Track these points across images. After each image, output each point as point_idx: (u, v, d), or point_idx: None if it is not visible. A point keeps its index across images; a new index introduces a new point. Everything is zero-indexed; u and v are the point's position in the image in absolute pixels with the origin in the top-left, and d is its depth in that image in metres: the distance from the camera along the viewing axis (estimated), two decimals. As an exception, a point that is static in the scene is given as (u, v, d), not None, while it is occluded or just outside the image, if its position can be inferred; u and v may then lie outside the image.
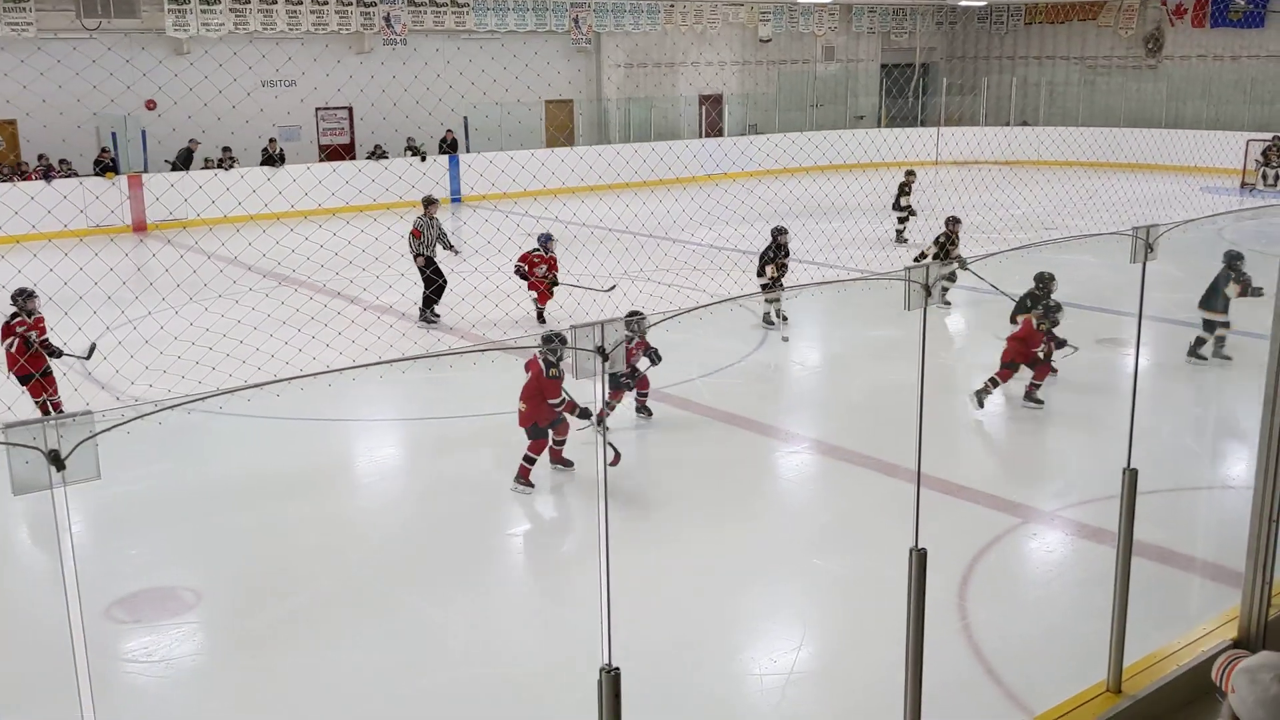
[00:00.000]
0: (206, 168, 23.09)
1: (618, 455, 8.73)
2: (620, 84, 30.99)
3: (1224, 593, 6.11)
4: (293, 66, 24.20)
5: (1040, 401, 10.53)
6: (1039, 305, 10.91)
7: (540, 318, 13.70)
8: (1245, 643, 4.76)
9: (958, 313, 14.55)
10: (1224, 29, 31.01)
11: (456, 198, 25.69)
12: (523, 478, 8.62)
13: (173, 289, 12.44)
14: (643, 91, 31.04)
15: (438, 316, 14.25)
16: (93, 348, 10.21)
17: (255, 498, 8.75)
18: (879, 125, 33.20)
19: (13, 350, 9.84)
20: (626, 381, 9.71)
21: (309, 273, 13.59)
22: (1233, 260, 11.52)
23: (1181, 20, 31.88)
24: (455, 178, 25.83)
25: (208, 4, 23.78)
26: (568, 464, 8.91)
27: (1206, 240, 16.96)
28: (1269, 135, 26.20)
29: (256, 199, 15.27)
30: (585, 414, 8.70)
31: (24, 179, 21.56)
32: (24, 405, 9.47)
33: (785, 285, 13.42)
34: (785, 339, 13.18)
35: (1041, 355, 10.48)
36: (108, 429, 2.30)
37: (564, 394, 8.58)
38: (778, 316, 13.61)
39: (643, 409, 10.14)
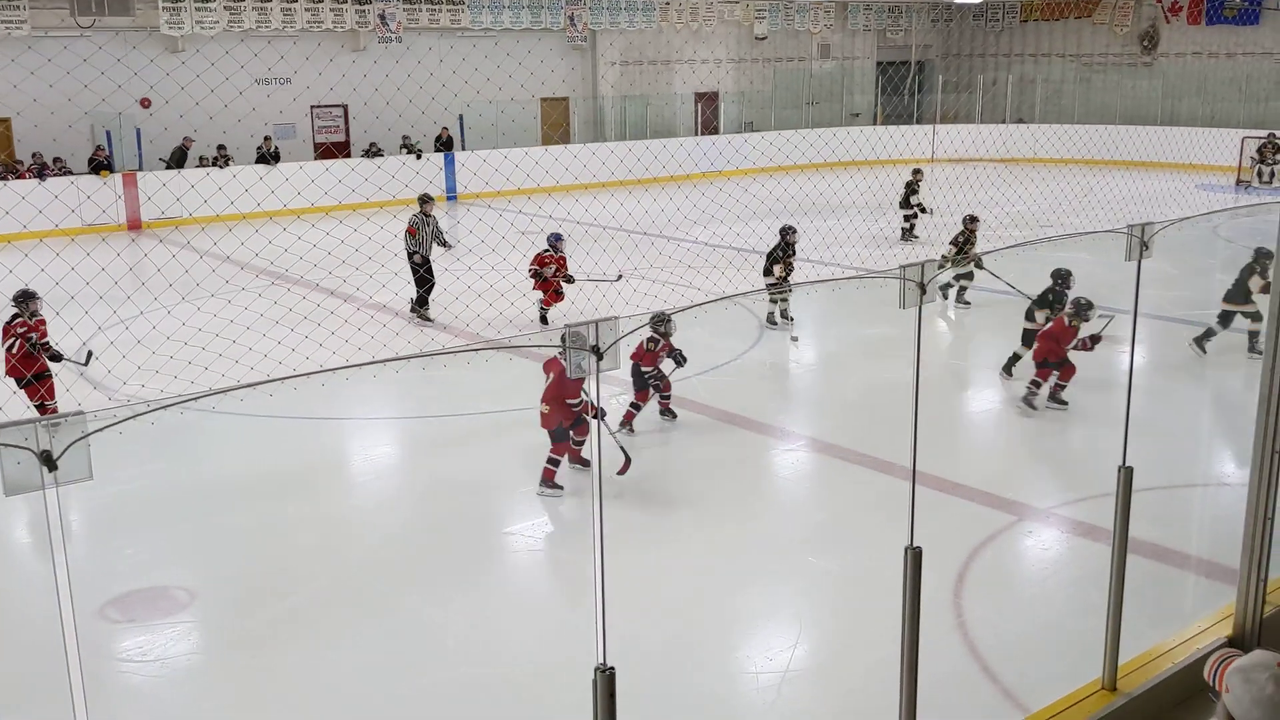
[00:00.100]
0: (201, 166, 23.05)
1: (628, 461, 8.67)
2: (615, 81, 30.97)
3: (1219, 590, 6.12)
4: (287, 64, 24.19)
5: (1065, 403, 10.37)
6: (1058, 301, 10.87)
7: (543, 319, 13.61)
8: (1240, 640, 4.76)
9: (973, 312, 14.55)
10: (1219, 26, 31.05)
11: (452, 195, 25.67)
12: (548, 480, 8.59)
13: (167, 288, 12.41)
14: (638, 89, 31.02)
15: (431, 319, 14.23)
16: (90, 355, 10.13)
17: (250, 497, 8.73)
18: (875, 123, 33.21)
19: (12, 351, 9.71)
20: (653, 382, 9.69)
21: (302, 271, 13.56)
22: (1260, 256, 11.56)
23: (1177, 17, 31.91)
24: (451, 175, 25.81)
25: (202, 1, 23.76)
26: (586, 463, 8.89)
27: (1202, 238, 16.99)
28: (1264, 132, 26.21)
29: (251, 197, 15.23)
30: (602, 414, 8.66)
31: (18, 178, 21.51)
32: (15, 406, 9.44)
33: (770, 281, 13.43)
34: (795, 339, 13.15)
35: (1076, 350, 10.31)
36: (100, 429, 2.29)
37: (583, 394, 8.58)
38: (783, 317, 13.58)
39: (666, 411, 10.10)
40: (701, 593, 7.23)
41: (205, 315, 10.50)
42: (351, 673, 6.25)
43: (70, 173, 22.05)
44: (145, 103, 22.82)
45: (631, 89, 31.06)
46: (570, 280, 13.49)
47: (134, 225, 21.97)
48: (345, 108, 26.84)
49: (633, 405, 9.77)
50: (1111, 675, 4.61)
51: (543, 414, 8.59)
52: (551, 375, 8.58)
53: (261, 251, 12.05)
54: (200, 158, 23.53)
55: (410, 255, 14.50)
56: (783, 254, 13.47)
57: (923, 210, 19.32)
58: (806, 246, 15.38)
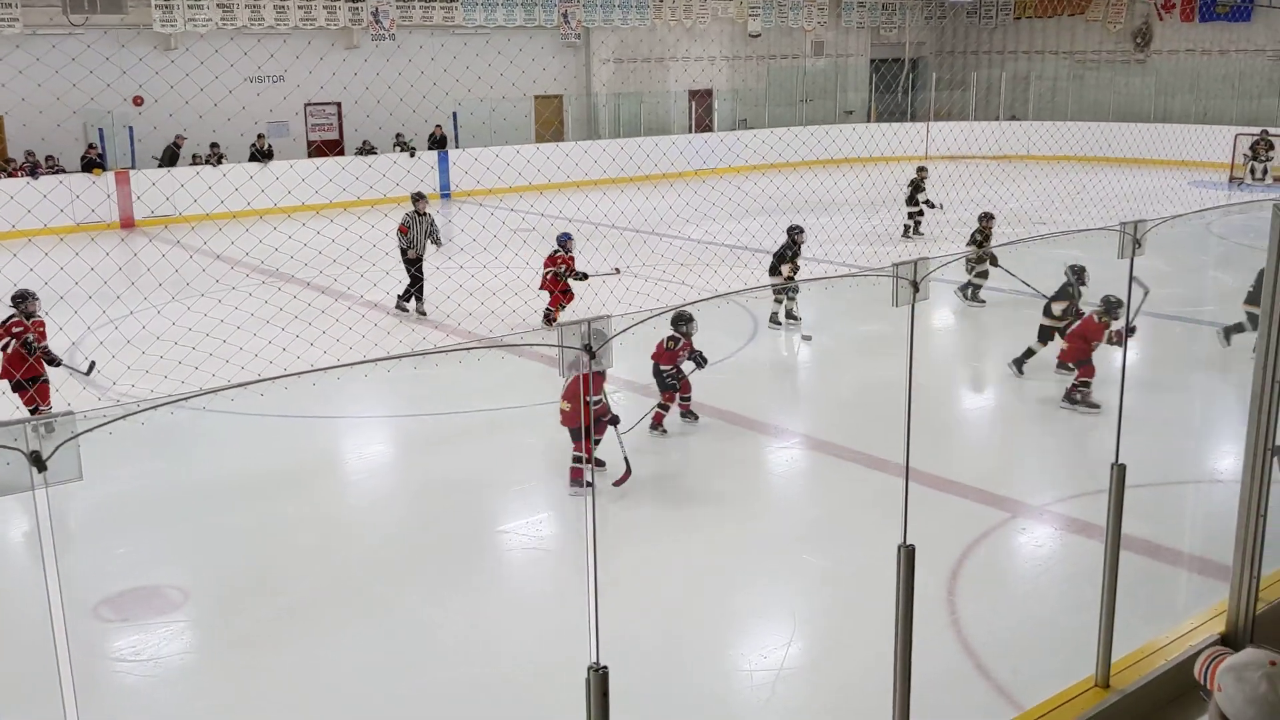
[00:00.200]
0: (194, 164, 23.00)
1: (627, 472, 8.59)
2: (609, 79, 30.95)
3: (1211, 586, 6.13)
4: (280, 62, 24.12)
5: (1097, 406, 10.20)
6: (1074, 298, 10.85)
7: (547, 319, 13.52)
8: (1233, 636, 4.77)
9: (974, 310, 14.56)
10: (1212, 23, 31.10)
11: (445, 193, 25.64)
12: (577, 479, 8.60)
13: (158, 287, 12.38)
14: (632, 87, 31.00)
15: (408, 310, 14.34)
16: (93, 366, 9.96)
17: (243, 496, 8.71)
18: (868, 120, 33.22)
19: (8, 352, 9.47)
20: (670, 381, 9.63)
21: (293, 270, 13.55)
22: None
23: (1170, 14, 31.96)
24: (444, 173, 25.78)
25: (195, -1, 23.73)
26: (599, 464, 8.88)
27: (1195, 235, 17.02)
28: (1257, 129, 26.26)
29: (243, 195, 15.24)
30: (615, 420, 8.66)
31: (10, 176, 21.44)
32: (5, 407, 9.40)
33: (763, 280, 13.42)
34: (809, 337, 13.10)
35: (1110, 344, 10.21)
36: (89, 430, 2.28)
37: (603, 394, 8.59)
38: (789, 317, 13.53)
39: (688, 414, 10.00)
40: (696, 591, 7.23)
41: (195, 315, 10.45)
42: (345, 672, 6.24)
43: (63, 171, 21.98)
44: (138, 101, 22.77)
45: (625, 86, 31.03)
46: (583, 277, 13.41)
47: (127, 224, 21.92)
48: (339, 106, 26.79)
49: (660, 406, 9.72)
50: (1104, 672, 4.61)
51: (563, 411, 8.60)
52: (573, 372, 8.53)
53: (252, 250, 12.05)
54: (193, 156, 23.47)
55: (403, 253, 14.54)
56: (791, 254, 13.43)
57: (930, 206, 19.35)
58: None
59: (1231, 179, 25.92)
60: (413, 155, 25.05)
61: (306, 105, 26.40)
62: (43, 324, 9.79)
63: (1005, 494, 8.51)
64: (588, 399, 8.44)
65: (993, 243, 14.74)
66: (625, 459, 8.61)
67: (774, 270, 13.49)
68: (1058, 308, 11.00)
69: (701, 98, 32.09)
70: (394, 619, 6.82)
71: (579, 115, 30.45)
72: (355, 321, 10.96)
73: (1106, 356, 11.31)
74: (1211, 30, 31.17)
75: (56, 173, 21.72)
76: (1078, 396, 10.24)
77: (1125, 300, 5.09)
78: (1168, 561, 7.37)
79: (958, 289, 14.35)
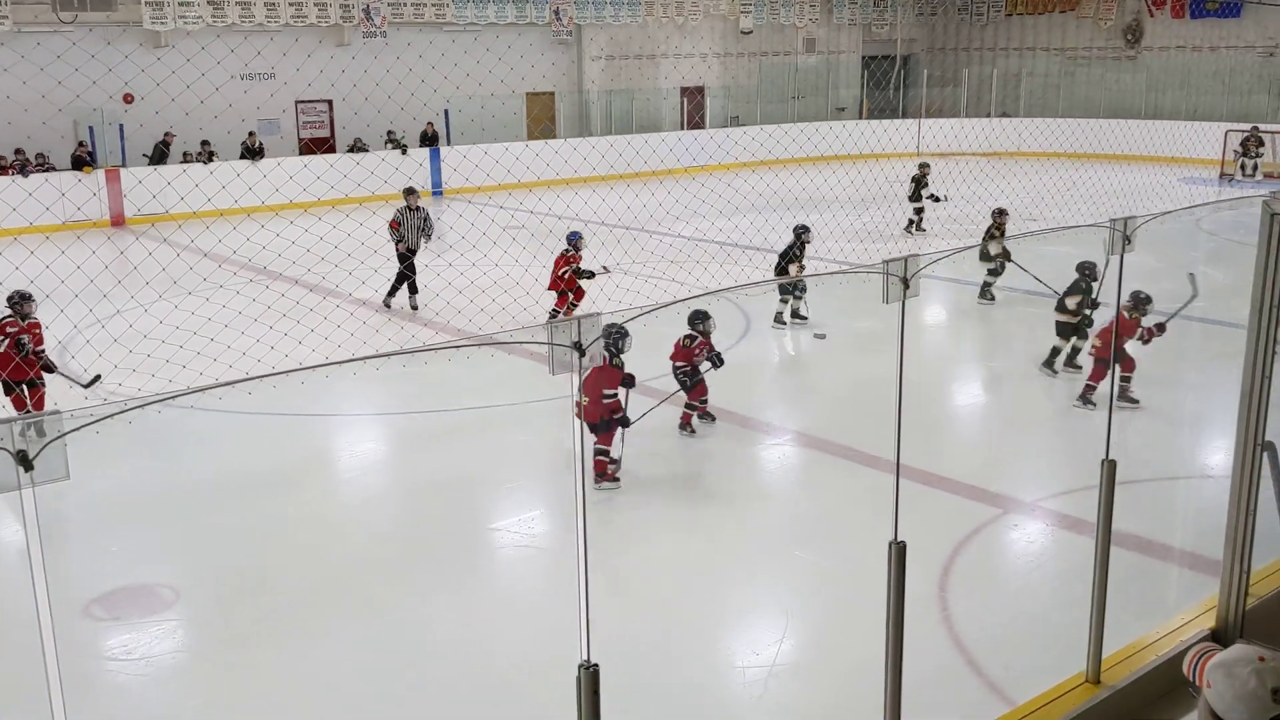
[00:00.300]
0: (185, 162, 22.94)
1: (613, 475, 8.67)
2: (601, 76, 30.93)
3: (1202, 581, 6.14)
4: (271, 59, 24.06)
5: (1136, 400, 10.17)
6: (1087, 293, 10.83)
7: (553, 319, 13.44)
8: (1223, 632, 4.78)
9: (963, 306, 14.57)
10: (1202, 20, 31.16)
11: (438, 190, 25.60)
12: (600, 472, 8.62)
13: (145, 285, 12.34)
14: (624, 84, 30.98)
15: (390, 307, 14.39)
16: (96, 379, 9.81)
17: (234, 495, 8.69)
18: (860, 117, 33.23)
19: (1, 352, 9.27)
20: (682, 379, 9.53)
21: (281, 268, 13.52)
22: None
23: (1160, 11, 32.02)
24: (436, 170, 25.74)
25: (185, -4, 23.65)
26: (614, 481, 8.83)
27: (1185, 231, 17.05)
28: (1247, 126, 26.32)
29: (228, 193, 15.21)
30: (625, 423, 8.66)
31: (0, 173, 21.37)
32: (-3, 409, 9.36)
33: (765, 279, 13.39)
34: (823, 335, 13.02)
35: (1140, 341, 10.13)
36: (76, 429, 2.27)
37: (618, 391, 8.61)
38: (795, 316, 13.47)
39: (704, 415, 9.84)
40: (688, 587, 7.23)
41: (183, 313, 10.41)
42: (337, 670, 6.23)
43: (53, 169, 21.91)
44: (128, 98, 22.70)
45: (617, 84, 31.02)
46: (590, 275, 13.38)
47: (117, 221, 21.84)
48: (329, 103, 26.74)
49: (687, 406, 9.62)
50: (1095, 668, 4.62)
51: (581, 405, 8.61)
52: (591, 365, 8.54)
53: (240, 248, 12.01)
54: (184, 153, 23.42)
55: (396, 245, 14.68)
56: (799, 253, 13.40)
57: (936, 199, 19.40)
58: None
59: (1222, 175, 25.97)
60: (404, 152, 25.02)
61: (297, 102, 26.35)
62: (39, 326, 9.62)
63: (997, 490, 8.52)
64: (605, 392, 8.51)
65: (1007, 238, 14.72)
66: (616, 461, 8.63)
67: (782, 270, 13.44)
68: (1071, 302, 10.96)
69: (693, 95, 32.08)
70: (386, 617, 6.81)
71: (571, 112, 30.42)
72: (344, 320, 10.91)
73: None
74: (1202, 27, 31.23)
75: (46, 170, 21.65)
76: (1123, 389, 10.19)
77: (1116, 297, 5.09)
78: (1159, 557, 7.39)
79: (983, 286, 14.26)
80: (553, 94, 30.05)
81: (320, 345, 9.47)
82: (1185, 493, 8.77)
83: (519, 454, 9.57)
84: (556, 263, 13.40)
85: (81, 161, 21.99)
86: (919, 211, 19.89)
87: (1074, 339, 11.13)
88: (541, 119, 29.11)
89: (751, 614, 6.91)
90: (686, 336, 9.52)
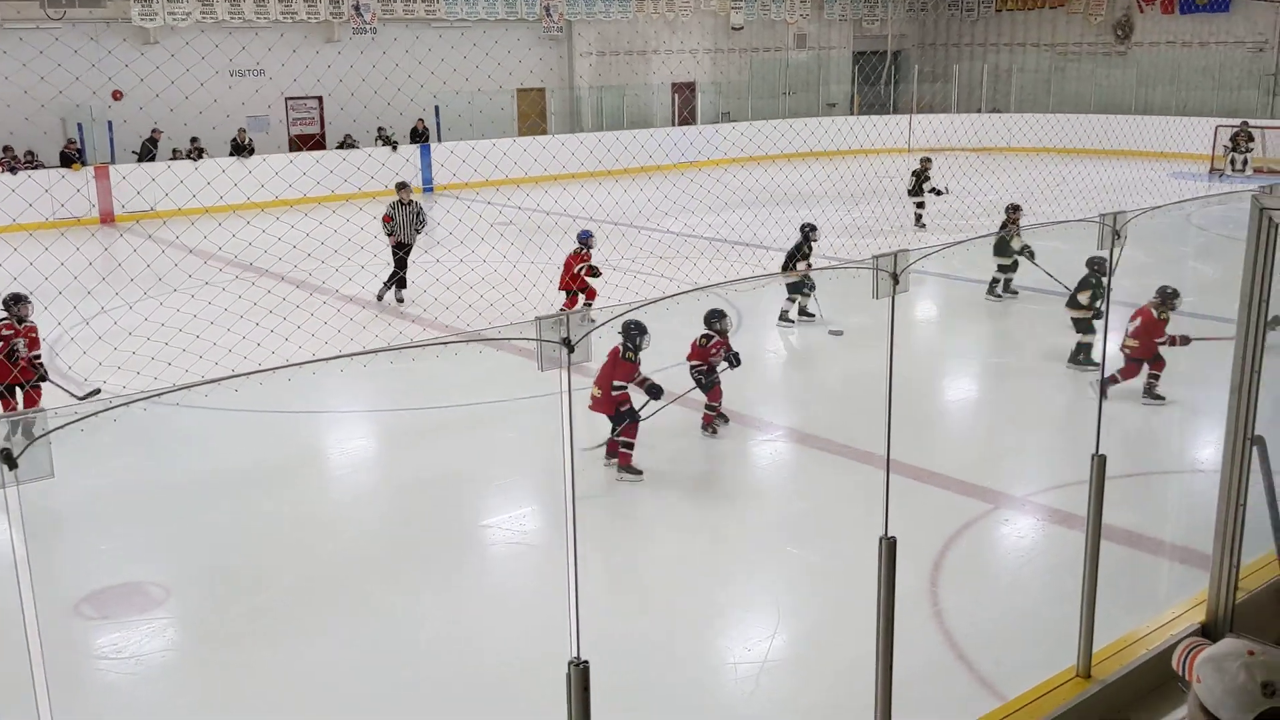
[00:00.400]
0: (175, 159, 22.86)
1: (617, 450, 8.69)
2: (592, 72, 30.89)
3: (1193, 576, 6.16)
4: (261, 56, 23.99)
5: (1162, 397, 10.16)
6: (1097, 287, 10.81)
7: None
8: (1213, 626, 4.79)
9: (956, 302, 14.55)
10: (1192, 15, 31.21)
11: (428, 187, 25.55)
12: (626, 465, 8.65)
13: (131, 281, 12.25)
14: (614, 79, 30.94)
15: (382, 300, 14.55)
16: (95, 392, 9.66)
17: (223, 492, 8.67)
18: (851, 113, 33.23)
19: None
20: (699, 378, 9.41)
21: (267, 264, 13.47)
22: None
23: (1150, 6, 32.06)
24: (427, 167, 25.68)
25: (174, -8, 23.58)
26: (637, 473, 8.88)
27: (1175, 226, 17.09)
28: (1237, 121, 26.37)
29: (216, 189, 15.19)
30: (634, 415, 8.66)
31: (-11, 171, 21.29)
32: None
33: (755, 275, 13.36)
34: (840, 332, 12.92)
35: (1166, 346, 10.07)
36: (60, 427, 2.26)
37: (629, 384, 8.64)
38: (803, 314, 13.43)
39: (719, 416, 9.68)
40: (680, 583, 7.23)
41: (168, 310, 10.34)
42: (329, 668, 6.22)
43: (41, 166, 21.82)
44: (117, 95, 22.61)
45: (608, 79, 30.98)
46: (598, 274, 13.37)
47: (106, 218, 21.77)
48: (319, 99, 26.66)
49: (707, 408, 9.50)
50: (1086, 663, 4.62)
51: (594, 398, 8.65)
52: (607, 359, 8.69)
53: (225, 244, 11.97)
54: (173, 150, 23.33)
55: (389, 239, 14.85)
56: (807, 251, 13.37)
57: (937, 193, 19.44)
58: (780, 237, 15.38)
59: (1212, 170, 26.03)
60: (394, 149, 24.96)
61: (287, 99, 26.26)
62: (35, 330, 9.44)
63: (988, 485, 8.54)
64: (615, 383, 8.52)
65: (994, 234, 14.70)
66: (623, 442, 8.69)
67: (791, 267, 13.40)
68: (1083, 297, 10.95)
69: (684, 90, 32.06)
70: (377, 615, 6.80)
71: (561, 108, 30.37)
72: (331, 316, 10.87)
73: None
74: (1191, 22, 31.28)
75: (34, 168, 21.56)
76: (1153, 387, 10.21)
77: (1106, 291, 5.10)
78: (1149, 551, 7.41)
79: (986, 293, 14.21)
80: (543, 90, 29.98)
81: (307, 342, 9.44)
82: (1176, 487, 8.79)
83: (509, 450, 9.56)
84: (568, 262, 13.35)
85: (70, 158, 21.90)
86: (920, 206, 19.93)
87: (1086, 334, 11.10)
88: (532, 115, 29.06)
89: (743, 610, 6.91)
90: (703, 336, 9.43)
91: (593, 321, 9.90)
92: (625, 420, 8.64)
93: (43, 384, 9.45)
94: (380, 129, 25.26)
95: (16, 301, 9.32)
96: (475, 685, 6.05)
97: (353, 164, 18.71)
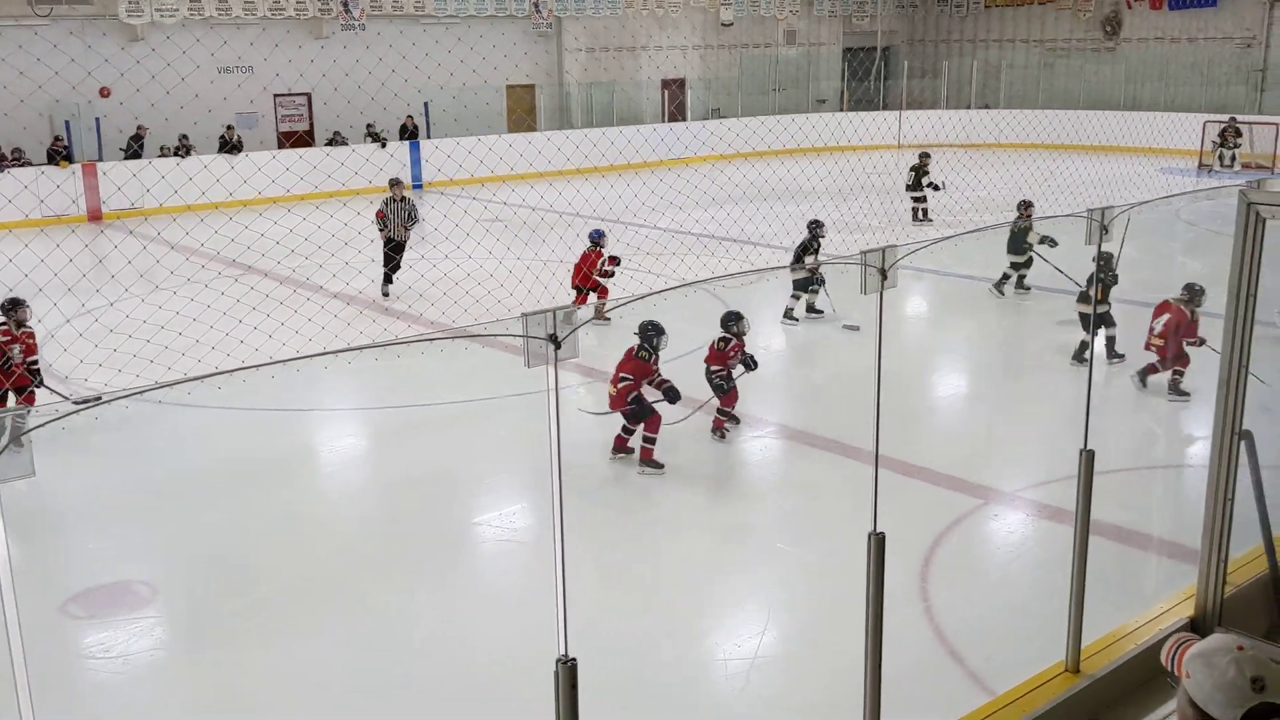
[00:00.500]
0: (163, 156, 22.78)
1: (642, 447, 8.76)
2: (582, 68, 30.85)
3: (1181, 570, 6.17)
4: (249, 53, 23.92)
5: (1187, 394, 10.12)
6: (1110, 284, 10.81)
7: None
8: (1202, 620, 4.80)
9: (946, 297, 14.52)
10: (1180, 11, 31.28)
11: (418, 184, 25.49)
12: (648, 460, 8.65)
13: (112, 279, 12.20)
14: (604, 76, 30.91)
15: (386, 294, 14.71)
16: (96, 400, 9.58)
17: (211, 491, 8.64)
18: (841, 109, 33.24)
19: None
20: (719, 383, 9.31)
21: (250, 260, 13.41)
22: None
23: (1139, 2, 32.12)
24: (416, 163, 25.63)
25: (161, -11, 23.48)
26: (629, 451, 8.94)
27: (1164, 222, 17.12)
28: (1225, 116, 26.44)
29: (201, 186, 15.15)
30: (673, 393, 8.69)
31: (-25, 169, 21.19)
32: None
33: (739, 271, 13.30)
34: (856, 328, 12.81)
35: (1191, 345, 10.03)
36: (40, 425, 2.24)
37: (646, 379, 8.67)
38: (810, 311, 13.38)
39: (731, 418, 9.59)
40: (669, 580, 7.22)
41: (149, 306, 10.26)
42: (319, 667, 6.20)
43: (29, 164, 21.72)
44: (105, 92, 22.52)
45: (598, 76, 30.95)
46: (609, 274, 13.35)
47: (94, 216, 21.68)
48: (308, 97, 26.58)
49: (720, 412, 9.42)
50: (1075, 658, 4.63)
51: (611, 396, 8.73)
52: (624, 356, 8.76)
53: (208, 240, 11.88)
54: (161, 148, 23.25)
55: (382, 235, 15.02)
56: (815, 248, 13.33)
57: (935, 188, 19.44)
58: (768, 233, 15.38)
59: (1200, 166, 26.09)
60: (384, 146, 24.90)
61: (276, 96, 26.18)
62: (33, 335, 9.31)
63: (978, 481, 8.54)
64: (622, 374, 8.54)
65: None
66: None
67: (800, 263, 13.37)
68: (1093, 294, 10.94)
69: (673, 87, 32.03)
70: (368, 613, 6.78)
71: (551, 105, 30.33)
72: (315, 313, 10.80)
73: (1070, 343, 11.36)
74: (1180, 18, 31.35)
75: (22, 165, 21.46)
76: (1177, 383, 10.19)
77: (1093, 286, 5.10)
78: (1138, 546, 7.42)
79: (992, 286, 14.15)
80: (532, 87, 29.95)
81: (291, 339, 9.39)
82: (1164, 481, 8.80)
83: (499, 447, 9.54)
84: (585, 259, 13.33)
85: (58, 156, 21.81)
86: (920, 200, 19.95)
87: (1103, 329, 11.08)
88: (521, 111, 29.01)
89: (733, 606, 6.91)
90: (720, 339, 9.35)
91: (606, 320, 10.00)
92: (648, 415, 8.70)
93: (39, 389, 9.31)
94: (369, 126, 25.20)
95: (15, 306, 9.19)
96: (466, 683, 6.03)
97: (336, 159, 18.67)
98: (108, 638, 6.56)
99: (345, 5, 26.19)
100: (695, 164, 25.49)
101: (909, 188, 20.15)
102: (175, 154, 22.78)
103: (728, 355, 9.35)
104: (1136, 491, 8.34)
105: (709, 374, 9.43)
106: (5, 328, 9.15)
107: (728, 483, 9.02)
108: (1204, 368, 10.27)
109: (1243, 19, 30.21)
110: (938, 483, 8.36)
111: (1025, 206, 14.35)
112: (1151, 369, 10.17)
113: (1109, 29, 32.93)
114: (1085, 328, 11.12)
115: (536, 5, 29.00)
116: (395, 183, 15.47)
